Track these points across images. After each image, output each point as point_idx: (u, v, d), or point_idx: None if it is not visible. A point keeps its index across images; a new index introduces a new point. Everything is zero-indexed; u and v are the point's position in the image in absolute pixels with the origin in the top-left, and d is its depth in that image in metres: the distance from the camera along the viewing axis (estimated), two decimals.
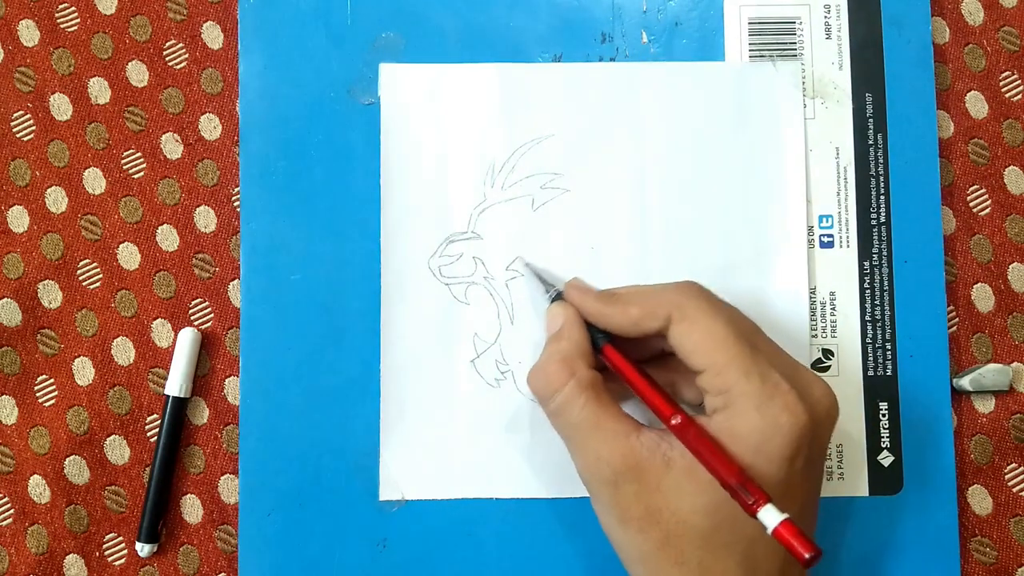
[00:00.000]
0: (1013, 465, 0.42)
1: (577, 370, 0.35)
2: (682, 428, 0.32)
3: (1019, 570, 0.41)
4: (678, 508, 0.32)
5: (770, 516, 0.30)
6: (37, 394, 0.42)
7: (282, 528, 0.40)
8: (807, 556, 0.29)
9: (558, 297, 0.39)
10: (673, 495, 0.32)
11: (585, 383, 0.34)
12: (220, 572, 0.41)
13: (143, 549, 0.41)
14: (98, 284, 0.42)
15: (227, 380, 0.42)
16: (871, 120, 0.42)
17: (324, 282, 0.41)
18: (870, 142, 0.42)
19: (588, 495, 0.35)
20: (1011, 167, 0.43)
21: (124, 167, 0.43)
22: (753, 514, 0.30)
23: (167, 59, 0.43)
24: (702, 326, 0.33)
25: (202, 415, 0.42)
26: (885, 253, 0.42)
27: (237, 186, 0.42)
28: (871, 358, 0.41)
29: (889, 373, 0.41)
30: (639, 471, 0.33)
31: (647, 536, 0.33)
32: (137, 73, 0.43)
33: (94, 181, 0.43)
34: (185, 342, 0.41)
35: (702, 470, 0.32)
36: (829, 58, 0.42)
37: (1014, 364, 0.42)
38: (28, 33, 0.43)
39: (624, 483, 0.33)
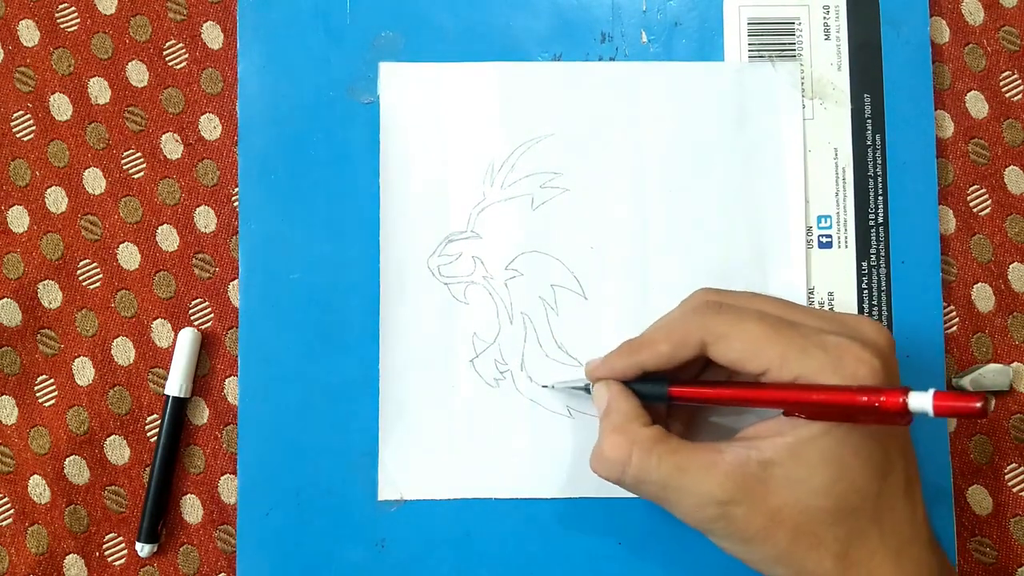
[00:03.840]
0: (1013, 465, 0.42)
1: (635, 434, 0.33)
2: (795, 405, 0.32)
3: (1019, 570, 0.41)
4: (798, 499, 0.31)
5: (921, 400, 0.29)
6: (37, 394, 0.42)
7: (281, 528, 0.40)
8: (979, 406, 0.28)
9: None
10: (787, 490, 0.31)
11: (649, 442, 0.33)
12: (220, 572, 0.41)
13: (143, 549, 0.41)
14: (98, 284, 0.42)
15: (227, 380, 0.42)
16: (869, 121, 0.42)
17: (324, 282, 0.41)
18: (868, 143, 0.42)
19: (699, 530, 0.34)
20: (1011, 167, 0.43)
21: (124, 167, 0.43)
22: (904, 411, 0.29)
23: (167, 59, 0.43)
24: (739, 336, 0.33)
25: (202, 415, 0.42)
26: (883, 254, 0.42)
27: (237, 186, 0.42)
28: None
29: None
30: (742, 489, 0.32)
31: (775, 540, 0.32)
32: (137, 73, 0.43)
33: (94, 181, 0.43)
34: (185, 342, 0.41)
35: (809, 452, 0.31)
36: (828, 59, 0.42)
37: (1014, 364, 0.42)
38: (28, 33, 0.43)
39: (733, 508, 0.32)
